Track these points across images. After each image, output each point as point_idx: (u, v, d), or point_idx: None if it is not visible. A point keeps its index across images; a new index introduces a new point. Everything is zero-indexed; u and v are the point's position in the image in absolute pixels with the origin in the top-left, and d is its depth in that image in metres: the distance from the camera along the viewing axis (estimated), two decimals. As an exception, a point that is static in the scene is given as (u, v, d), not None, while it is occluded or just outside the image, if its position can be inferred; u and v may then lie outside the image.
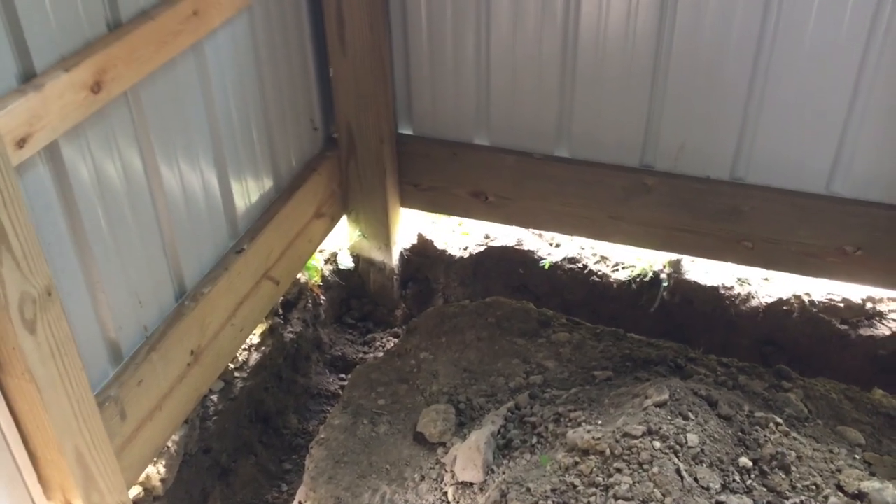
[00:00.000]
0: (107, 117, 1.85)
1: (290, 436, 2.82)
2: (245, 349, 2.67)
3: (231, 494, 2.58)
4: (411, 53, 2.77)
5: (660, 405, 1.98)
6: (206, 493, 2.50)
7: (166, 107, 2.04)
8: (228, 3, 2.17)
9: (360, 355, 3.07)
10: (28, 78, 1.62)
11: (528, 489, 1.88)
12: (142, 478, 2.21)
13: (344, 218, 3.04)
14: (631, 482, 1.80)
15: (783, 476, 1.88)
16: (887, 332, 2.68)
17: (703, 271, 2.88)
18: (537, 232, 3.07)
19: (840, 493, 1.86)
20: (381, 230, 3.03)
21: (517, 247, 3.04)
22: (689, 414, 1.96)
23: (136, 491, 2.20)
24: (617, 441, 1.89)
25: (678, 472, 1.81)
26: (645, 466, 1.83)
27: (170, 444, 2.30)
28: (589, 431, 1.94)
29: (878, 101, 2.31)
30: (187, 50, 2.08)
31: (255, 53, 2.40)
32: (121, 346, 2.02)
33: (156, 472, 2.25)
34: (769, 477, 1.89)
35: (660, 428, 1.90)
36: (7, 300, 1.42)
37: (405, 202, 3.04)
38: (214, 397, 2.53)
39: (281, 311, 2.84)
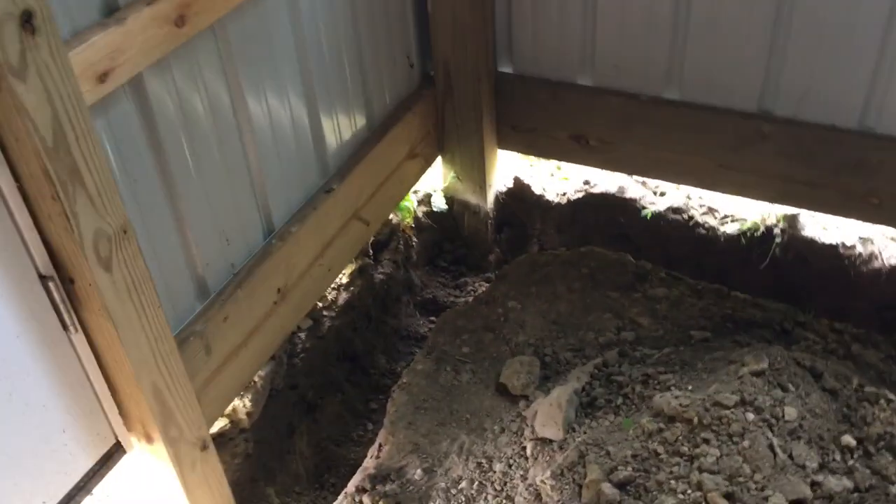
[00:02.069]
0: (192, 51, 1.82)
1: (378, 376, 2.82)
2: (334, 288, 2.66)
3: (317, 430, 2.61)
4: (514, -14, 2.63)
5: (757, 374, 1.84)
6: (293, 427, 2.54)
7: (254, 40, 2.00)
8: (320, -68, 2.09)
9: (451, 299, 3.02)
10: (111, 12, 1.60)
11: (608, 453, 1.80)
12: (228, 410, 2.25)
13: (439, 159, 2.97)
14: (718, 454, 1.69)
15: (891, 458, 1.72)
16: None
17: (821, 228, 2.67)
18: (641, 179, 2.90)
19: (955, 483, 1.69)
20: (476, 172, 2.94)
21: (618, 194, 2.89)
22: (789, 385, 1.81)
23: (221, 423, 2.25)
24: (706, 409, 1.77)
25: (771, 447, 1.69)
26: (735, 439, 1.71)
27: (256, 378, 2.33)
28: (677, 397, 1.82)
29: None
30: (276, -19, 2.02)
31: (348, -15, 2.31)
32: (208, 282, 2.04)
33: (242, 406, 2.29)
34: (874, 458, 1.74)
35: (755, 399, 1.77)
36: (82, 237, 1.43)
37: (502, 144, 2.94)
38: (302, 335, 2.55)
39: (371, 252, 2.82)
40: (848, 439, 1.76)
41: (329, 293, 2.64)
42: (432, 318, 3.01)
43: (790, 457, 1.69)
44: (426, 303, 3.04)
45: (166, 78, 1.77)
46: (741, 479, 1.65)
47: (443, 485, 2.04)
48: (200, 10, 1.76)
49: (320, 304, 2.60)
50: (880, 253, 2.62)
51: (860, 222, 2.59)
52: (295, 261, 2.28)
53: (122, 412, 1.70)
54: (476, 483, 2.01)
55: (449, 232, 3.11)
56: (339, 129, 2.44)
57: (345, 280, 2.69)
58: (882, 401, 1.84)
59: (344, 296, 2.67)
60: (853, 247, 2.64)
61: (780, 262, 2.70)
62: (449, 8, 2.60)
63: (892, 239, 2.64)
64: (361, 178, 2.50)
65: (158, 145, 1.79)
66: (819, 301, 2.60)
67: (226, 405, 2.17)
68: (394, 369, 2.85)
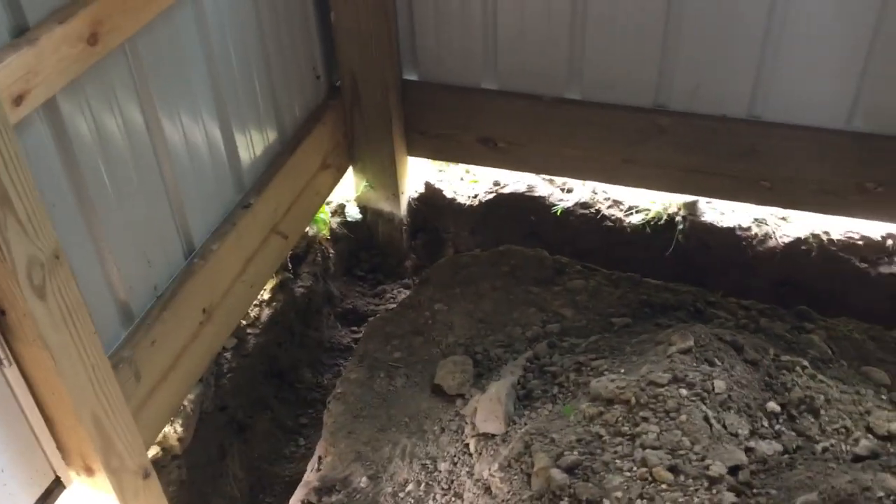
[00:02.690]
0: (105, 71, 1.77)
1: (305, 390, 2.79)
2: (256, 305, 2.63)
3: (248, 450, 2.56)
4: (415, -5, 2.68)
5: (684, 352, 1.94)
6: (224, 450, 2.49)
7: (165, 58, 1.97)
8: (225, -54, 2.08)
9: (371, 307, 3.03)
10: (21, 32, 1.54)
11: (553, 440, 1.86)
12: (159, 438, 2.19)
13: (350, 169, 2.97)
14: (658, 430, 1.78)
15: (812, 420, 1.86)
16: (908, 270, 2.63)
17: (719, 213, 2.83)
18: (548, 177, 3.00)
19: (870, 436, 1.84)
20: (388, 180, 2.96)
21: (528, 193, 2.98)
22: (715, 360, 1.92)
23: (153, 451, 2.19)
24: (642, 389, 1.85)
25: (706, 419, 1.79)
26: (672, 414, 1.80)
27: (186, 402, 2.27)
28: (613, 380, 1.90)
29: (903, 31, 2.23)
30: (184, -3, 1.99)
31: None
32: (132, 306, 1.98)
33: (173, 431, 2.23)
34: (798, 421, 1.86)
35: (686, 375, 1.87)
36: (14, 265, 1.37)
37: (412, 150, 2.97)
38: (228, 354, 2.50)
39: (290, 266, 2.80)
40: (773, 405, 1.89)
41: (252, 310, 2.60)
42: (354, 329, 3.01)
43: (724, 426, 1.80)
44: (346, 313, 3.04)
45: (80, 100, 1.72)
46: (682, 452, 1.74)
47: (390, 490, 2.05)
48: (113, 28, 1.72)
49: (244, 322, 2.56)
50: (773, 233, 2.80)
51: (754, 205, 2.75)
52: (218, 279, 2.24)
53: (61, 446, 1.63)
54: (423, 484, 2.03)
55: (364, 241, 3.12)
56: (253, 143, 2.41)
57: (266, 296, 2.66)
58: (798, 367, 1.98)
59: (267, 312, 2.64)
60: (749, 228, 2.81)
61: (684, 248, 2.84)
62: (352, 19, 2.62)
63: (783, 219, 2.82)
64: (277, 191, 2.49)
65: (75, 169, 1.74)
66: (724, 281, 2.75)
67: (158, 431, 2.11)
68: (320, 383, 2.83)
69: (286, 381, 2.77)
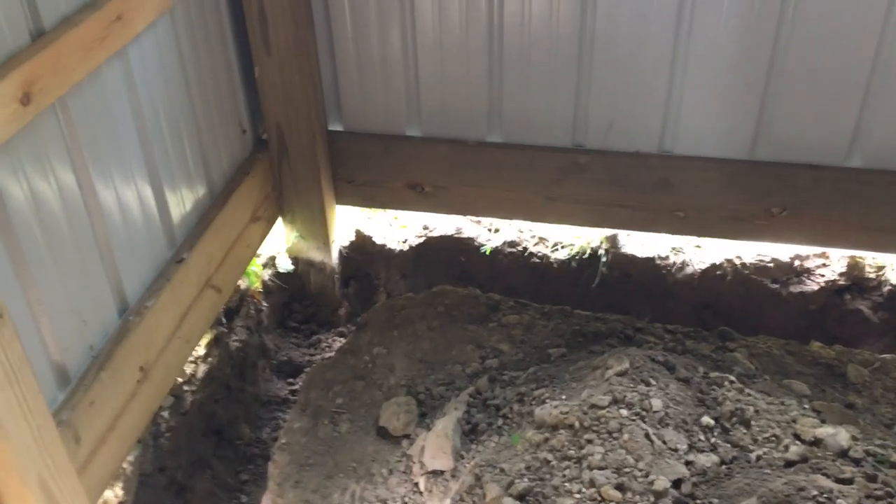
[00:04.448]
0: (37, 131, 1.77)
1: (244, 446, 2.75)
2: (192, 361, 2.59)
3: (190, 512, 2.51)
4: (337, 49, 2.75)
5: (621, 374, 2.02)
6: (165, 512, 2.43)
7: (96, 117, 1.97)
8: (151, 6, 2.11)
9: (307, 358, 3.02)
10: (-46, 92, 1.54)
11: (502, 469, 1.90)
12: (99, 503, 2.13)
13: (280, 220, 2.99)
14: (603, 451, 1.84)
15: (744, 430, 1.95)
16: (816, 287, 2.81)
17: (639, 244, 2.96)
18: (475, 219, 3.08)
19: (798, 442, 1.94)
20: (318, 230, 2.99)
21: (456, 235, 3.05)
22: (651, 380, 2.01)
23: (94, 517, 2.12)
24: (585, 413, 1.92)
25: (647, 436, 1.86)
26: (615, 435, 1.87)
27: (125, 465, 2.22)
28: (556, 406, 1.96)
29: (794, 68, 2.41)
30: (113, 56, 2.01)
31: (179, 57, 2.33)
32: (67, 367, 1.95)
33: (113, 495, 2.18)
34: (731, 433, 1.96)
35: (624, 396, 1.95)
36: (-44, 325, 1.34)
37: (341, 199, 3.01)
38: (165, 413, 2.46)
39: (224, 320, 2.78)
40: (707, 420, 1.98)
41: (187, 366, 2.57)
42: (290, 381, 2.99)
43: (664, 442, 1.87)
44: (282, 365, 3.02)
45: (13, 159, 1.71)
46: (627, 470, 1.81)
47: (342, 535, 2.05)
48: (45, 87, 1.73)
49: (180, 379, 2.53)
50: (690, 260, 2.95)
51: (670, 235, 2.89)
52: (154, 335, 2.22)
53: (5, 514, 1.58)
54: (375, 527, 2.04)
55: (296, 292, 3.13)
56: (183, 199, 2.42)
57: (202, 351, 2.63)
58: (726, 382, 2.09)
59: (203, 367, 2.61)
60: (667, 257, 2.95)
61: (608, 280, 2.96)
62: (276, 73, 2.67)
63: (698, 247, 2.98)
64: (209, 245, 2.49)
65: (8, 229, 1.72)
66: (648, 308, 2.87)
67: (100, 495, 2.05)
68: (259, 437, 2.80)
69: (224, 437, 2.72)
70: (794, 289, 2.84)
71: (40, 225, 1.80)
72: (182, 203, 2.41)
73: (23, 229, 1.75)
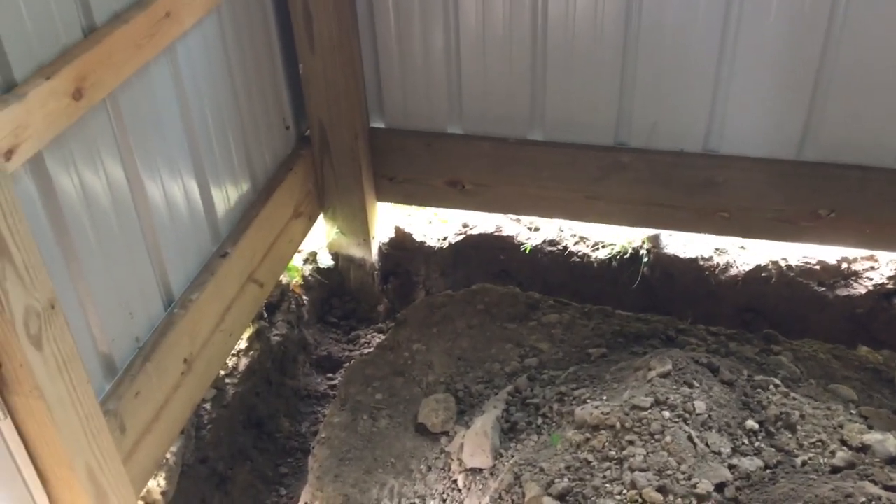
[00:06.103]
0: (88, 126, 1.80)
1: (284, 439, 2.78)
2: (234, 354, 2.63)
3: (230, 503, 2.54)
4: (380, 46, 2.75)
5: (664, 376, 2.00)
6: (206, 503, 2.46)
7: (144, 112, 2.00)
8: (199, 3, 2.13)
9: (346, 353, 3.04)
10: (10, 87, 1.57)
11: (542, 469, 1.89)
12: (143, 492, 2.16)
13: (321, 216, 3.01)
14: (645, 453, 1.82)
15: (790, 435, 1.92)
16: (863, 291, 2.75)
17: (682, 244, 2.93)
18: (515, 217, 3.07)
19: (845, 448, 1.91)
20: (358, 226, 3.00)
21: (496, 233, 3.05)
22: (694, 382, 1.99)
23: (137, 506, 2.15)
24: (626, 414, 1.91)
25: (690, 439, 1.84)
26: (657, 437, 1.85)
27: (168, 455, 2.26)
28: (597, 407, 1.95)
29: (845, 67, 2.37)
30: (161, 53, 2.04)
31: (225, 54, 2.36)
32: (114, 359, 1.98)
33: (156, 485, 2.21)
34: (776, 437, 1.93)
35: (667, 398, 1.93)
36: (12, 315, 1.37)
37: (381, 196, 3.02)
38: (208, 405, 2.49)
39: (266, 315, 2.81)
40: (751, 423, 1.95)
41: (229, 359, 2.60)
42: (329, 375, 3.01)
43: (707, 445, 1.85)
44: (321, 360, 3.04)
45: (65, 154, 1.74)
46: (669, 472, 1.79)
47: (380, 530, 2.06)
48: (96, 82, 1.76)
49: (222, 372, 2.56)
50: (734, 261, 2.91)
51: (714, 236, 2.86)
52: (198, 328, 2.25)
53: (52, 500, 1.61)
54: (413, 523, 2.04)
55: (336, 287, 3.15)
56: (228, 194, 2.45)
57: (244, 345, 2.66)
58: (771, 386, 2.05)
59: (244, 361, 2.64)
60: (711, 258, 2.91)
61: (649, 280, 2.93)
62: (320, 70, 2.68)
63: (742, 248, 2.93)
64: (253, 240, 2.51)
65: (60, 223, 1.75)
66: (690, 310, 2.84)
67: (144, 484, 2.09)
68: (299, 431, 2.83)
69: (265, 430, 2.75)
70: (841, 292, 2.78)
71: (90, 218, 1.84)
72: (226, 198, 2.44)
73: (73, 223, 1.78)
